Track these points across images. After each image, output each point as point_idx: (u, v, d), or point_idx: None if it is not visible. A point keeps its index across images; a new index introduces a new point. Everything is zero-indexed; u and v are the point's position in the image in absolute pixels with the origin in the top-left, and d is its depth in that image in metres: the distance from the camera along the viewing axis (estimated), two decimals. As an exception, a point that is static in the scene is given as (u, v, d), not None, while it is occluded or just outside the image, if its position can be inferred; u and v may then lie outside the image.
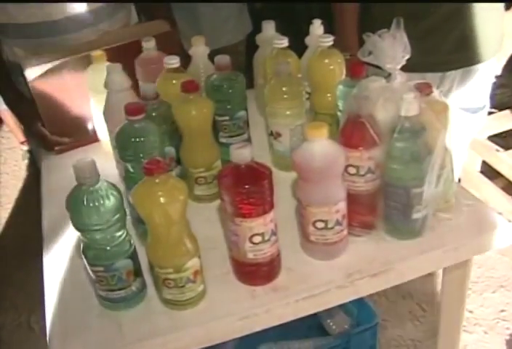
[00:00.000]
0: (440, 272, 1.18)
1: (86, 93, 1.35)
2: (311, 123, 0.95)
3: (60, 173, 1.37)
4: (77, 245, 1.09)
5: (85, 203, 0.83)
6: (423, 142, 0.95)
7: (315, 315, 1.60)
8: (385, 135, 0.96)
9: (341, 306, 1.59)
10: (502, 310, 1.95)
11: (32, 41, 1.43)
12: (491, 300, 1.98)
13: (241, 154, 0.87)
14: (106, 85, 1.21)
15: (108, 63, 1.29)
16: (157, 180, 0.82)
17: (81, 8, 1.42)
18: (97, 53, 1.30)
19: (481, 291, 2.01)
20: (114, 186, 0.88)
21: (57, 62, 1.34)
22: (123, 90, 1.20)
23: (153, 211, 0.83)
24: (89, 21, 1.44)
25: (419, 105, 0.94)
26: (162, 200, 0.82)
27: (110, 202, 0.84)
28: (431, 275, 1.99)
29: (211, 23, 2.04)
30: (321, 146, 0.91)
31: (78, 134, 1.43)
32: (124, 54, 1.36)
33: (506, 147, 2.11)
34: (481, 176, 2.14)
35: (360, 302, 1.60)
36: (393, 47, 0.98)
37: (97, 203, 0.83)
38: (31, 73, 1.33)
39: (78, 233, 0.89)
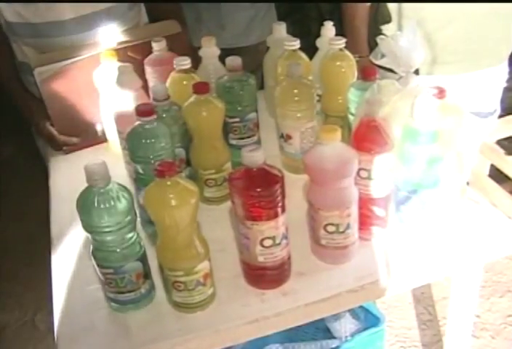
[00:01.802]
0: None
1: (96, 93, 1.34)
2: (324, 127, 0.94)
3: (68, 173, 1.38)
4: (86, 245, 1.09)
5: (96, 204, 0.83)
6: (437, 145, 0.94)
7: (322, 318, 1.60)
8: (398, 139, 0.95)
9: (348, 309, 1.59)
10: (510, 315, 1.93)
11: (42, 40, 1.42)
12: (498, 305, 1.97)
13: (253, 157, 0.86)
14: (117, 85, 1.20)
15: (118, 63, 1.29)
16: (168, 182, 0.82)
17: (91, 8, 1.42)
18: (108, 53, 1.29)
19: (489, 296, 2.00)
20: (125, 188, 0.87)
21: (66, 62, 1.33)
22: (134, 90, 1.20)
23: (164, 213, 0.83)
24: (99, 21, 1.43)
25: (432, 109, 0.93)
26: (173, 203, 0.81)
27: (121, 204, 0.84)
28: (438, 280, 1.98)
29: (236, 22, 2.02)
30: (334, 149, 0.90)
31: (86, 134, 1.42)
32: (135, 55, 1.36)
33: (513, 152, 2.10)
34: (490, 180, 2.13)
35: (367, 306, 1.59)
36: (407, 50, 0.98)
37: (107, 205, 0.83)
38: (41, 72, 1.33)
39: (87, 234, 0.89)
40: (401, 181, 0.97)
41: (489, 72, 1.62)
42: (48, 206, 1.29)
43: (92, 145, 1.43)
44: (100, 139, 1.42)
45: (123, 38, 1.41)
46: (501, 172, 2.11)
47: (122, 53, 1.32)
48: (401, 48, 1.01)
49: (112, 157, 1.32)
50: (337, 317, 1.58)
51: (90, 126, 1.41)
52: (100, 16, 1.43)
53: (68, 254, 1.11)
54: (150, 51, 1.33)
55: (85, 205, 0.84)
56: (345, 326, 1.58)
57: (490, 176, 2.17)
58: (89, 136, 1.43)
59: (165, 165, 0.82)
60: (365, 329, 1.54)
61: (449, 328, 1.28)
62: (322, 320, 1.59)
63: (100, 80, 1.32)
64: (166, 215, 0.83)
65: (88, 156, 1.38)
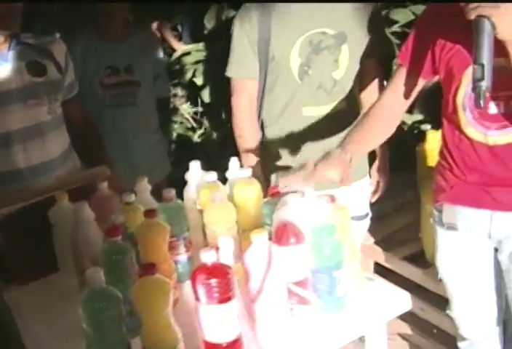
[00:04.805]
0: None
1: (48, 228, 1.59)
2: (254, 230, 1.27)
3: (27, 301, 1.56)
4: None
5: (97, 305, 1.07)
6: (336, 236, 1.29)
7: None
8: (309, 234, 1.30)
9: None
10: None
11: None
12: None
13: (209, 256, 1.16)
14: (76, 219, 1.47)
15: (69, 203, 1.57)
16: (152, 279, 1.09)
17: (39, 158, 1.72)
18: (61, 194, 1.57)
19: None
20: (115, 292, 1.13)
21: (20, 204, 1.59)
22: (90, 222, 1.47)
23: (152, 303, 1.09)
24: (45, 169, 1.73)
25: (328, 210, 1.30)
26: (158, 294, 1.08)
27: (118, 301, 1.09)
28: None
29: (141, 166, 2.40)
30: (265, 245, 1.23)
31: (39, 265, 1.63)
32: (77, 195, 1.64)
33: (389, 249, 2.55)
34: (375, 275, 2.52)
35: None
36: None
37: (106, 304, 1.08)
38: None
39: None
40: (315, 265, 1.31)
41: (358, 184, 2.06)
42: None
43: (45, 276, 1.64)
44: (51, 269, 1.64)
45: (65, 181, 1.70)
46: (384, 267, 2.52)
47: (72, 193, 1.60)
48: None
49: (64, 287, 1.55)
50: None
51: (43, 258, 1.63)
52: (46, 165, 1.73)
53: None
54: (90, 191, 1.63)
55: (87, 306, 1.08)
56: None
57: (376, 272, 2.56)
58: (42, 267, 1.64)
59: (148, 266, 1.10)
60: None
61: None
62: None
63: (55, 217, 1.57)
64: (153, 305, 1.09)
65: (42, 286, 1.59)
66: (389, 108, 1.64)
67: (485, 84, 1.25)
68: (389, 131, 1.67)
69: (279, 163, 2.05)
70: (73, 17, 3.01)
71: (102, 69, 2.44)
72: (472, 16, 1.26)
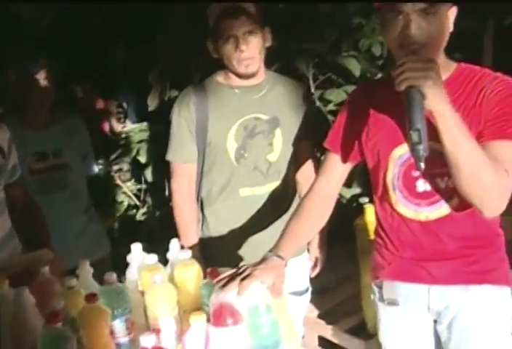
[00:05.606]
0: None
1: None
2: (193, 313, 1.32)
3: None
4: None
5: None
6: (272, 315, 1.35)
7: None
8: (245, 315, 1.35)
9: None
10: None
11: None
12: None
13: (149, 340, 1.21)
14: (16, 304, 1.48)
15: (9, 288, 1.57)
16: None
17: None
18: (1, 279, 1.58)
19: None
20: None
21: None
22: (30, 307, 1.48)
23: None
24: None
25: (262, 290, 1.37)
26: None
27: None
28: None
29: (77, 246, 2.41)
30: (203, 327, 1.28)
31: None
32: (18, 279, 1.65)
33: (332, 322, 2.60)
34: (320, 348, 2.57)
35: None
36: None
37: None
38: None
39: None
40: (253, 345, 1.35)
41: (296, 260, 2.13)
42: None
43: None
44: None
45: (6, 264, 1.71)
46: (328, 341, 2.57)
47: (13, 278, 1.61)
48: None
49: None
50: None
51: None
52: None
53: None
54: (34, 273, 1.64)
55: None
56: None
57: (320, 345, 2.61)
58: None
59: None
60: None
61: None
62: None
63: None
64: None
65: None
66: (323, 193, 1.71)
67: (422, 147, 1.32)
68: (326, 216, 1.72)
69: (218, 244, 2.12)
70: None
71: (29, 155, 2.41)
72: (402, 87, 1.34)
